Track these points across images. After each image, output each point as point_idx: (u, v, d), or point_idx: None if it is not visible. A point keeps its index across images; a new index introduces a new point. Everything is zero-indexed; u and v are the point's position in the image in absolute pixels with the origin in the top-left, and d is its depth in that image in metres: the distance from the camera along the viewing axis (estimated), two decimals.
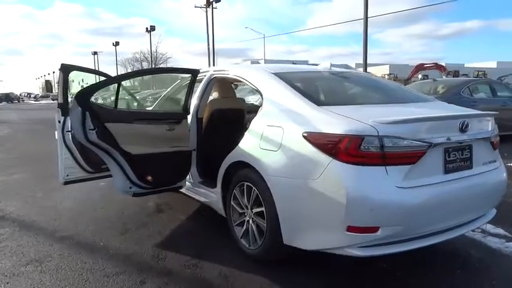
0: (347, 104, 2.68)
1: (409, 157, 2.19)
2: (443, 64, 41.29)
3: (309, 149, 2.32)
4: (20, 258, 2.98)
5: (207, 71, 3.77)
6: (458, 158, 2.41)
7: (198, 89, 3.71)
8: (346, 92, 3.15)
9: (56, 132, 3.82)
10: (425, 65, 39.11)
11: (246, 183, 2.84)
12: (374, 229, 2.16)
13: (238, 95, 4.62)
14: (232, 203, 3.02)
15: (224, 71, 3.55)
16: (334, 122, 2.29)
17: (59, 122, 3.72)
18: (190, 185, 3.74)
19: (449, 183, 2.34)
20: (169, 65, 49.83)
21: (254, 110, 3.27)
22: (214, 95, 3.90)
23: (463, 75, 33.55)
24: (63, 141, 3.74)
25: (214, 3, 27.24)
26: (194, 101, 3.69)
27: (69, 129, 3.71)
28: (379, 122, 2.19)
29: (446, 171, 2.36)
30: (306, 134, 2.34)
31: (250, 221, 2.85)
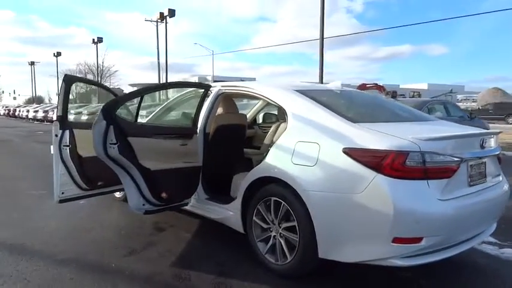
0: (375, 121, 2.83)
1: (446, 171, 2.35)
2: (382, 84, 44.10)
3: (351, 164, 2.40)
4: (26, 285, 2.73)
5: (213, 87, 3.76)
6: (477, 172, 2.63)
7: (206, 104, 3.68)
8: (369, 109, 3.30)
9: (51, 146, 3.59)
10: (367, 85, 41.39)
11: (273, 199, 2.86)
12: (418, 240, 2.28)
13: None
14: (254, 218, 3.01)
15: (238, 87, 3.56)
16: (377, 138, 2.40)
17: (56, 135, 3.51)
18: (195, 202, 3.66)
19: (473, 196, 2.54)
20: (114, 79, 48.09)
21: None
22: (219, 110, 3.89)
23: (401, 95, 35.99)
24: (60, 157, 3.52)
25: (168, 18, 27.00)
26: (202, 116, 3.66)
27: (67, 143, 3.51)
28: (419, 138, 2.34)
29: (470, 184, 2.56)
30: (347, 150, 2.43)
31: (278, 236, 2.86)
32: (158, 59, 34.22)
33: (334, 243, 2.50)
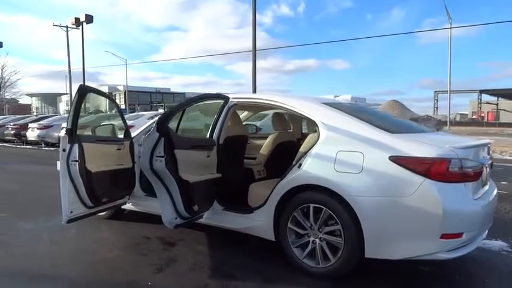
0: (406, 132, 3.17)
1: (476, 175, 2.76)
2: None
3: (398, 171, 2.69)
4: None
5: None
6: (485, 175, 3.11)
7: (220, 115, 3.71)
8: (389, 121, 3.62)
9: (58, 162, 3.32)
10: None
11: (312, 205, 3.02)
12: (460, 235, 2.64)
13: None
14: (289, 225, 3.14)
15: (254, 99, 3.67)
16: (422, 147, 2.73)
17: (64, 150, 3.27)
18: (210, 214, 3.66)
19: (485, 196, 3.00)
20: (15, 89, 43.48)
21: None
22: (228, 122, 3.95)
23: None
24: (68, 173, 3.28)
25: (85, 23, 25.21)
26: (216, 127, 3.69)
27: (76, 158, 3.29)
28: (454, 147, 2.72)
29: (483, 186, 3.03)
30: (394, 158, 2.72)
31: (318, 241, 3.02)
32: (69, 67, 31.94)
33: (382, 243, 2.76)
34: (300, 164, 3.15)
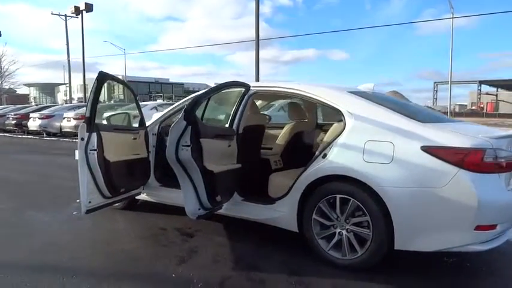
0: (436, 121, 3.10)
1: (508, 166, 2.69)
2: None
3: (431, 161, 2.63)
4: None
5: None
6: None
7: (240, 104, 3.63)
8: (416, 110, 3.53)
9: (76, 151, 3.25)
10: None
11: (338, 196, 2.96)
12: (494, 226, 2.59)
13: None
14: (314, 216, 3.08)
15: (275, 87, 3.58)
16: (456, 137, 2.67)
17: (82, 139, 3.18)
18: (229, 204, 3.59)
19: None
20: (13, 79, 43.02)
21: None
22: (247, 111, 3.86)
23: None
24: (86, 162, 3.20)
25: (84, 12, 24.83)
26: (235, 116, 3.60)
27: (94, 147, 3.21)
28: (489, 137, 2.65)
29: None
30: (427, 148, 2.64)
31: (344, 232, 2.96)
32: (68, 56, 31.59)
33: (413, 235, 2.70)
34: (325, 154, 3.07)
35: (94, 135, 3.20)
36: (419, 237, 2.69)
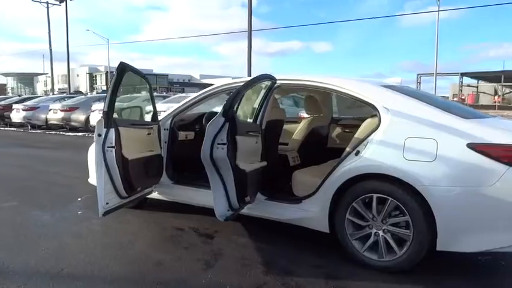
0: (477, 117, 2.98)
1: None
2: None
3: (478, 159, 2.51)
4: None
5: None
6: None
7: (265, 99, 3.44)
8: (451, 105, 3.43)
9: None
10: None
11: (375, 195, 2.83)
12: None
13: None
14: (348, 216, 2.94)
15: (302, 80, 3.41)
16: (503, 134, 2.55)
17: (99, 135, 2.96)
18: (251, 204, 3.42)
19: None
20: None
21: None
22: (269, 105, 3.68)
23: None
24: (104, 160, 2.98)
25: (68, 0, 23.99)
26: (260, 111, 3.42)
27: (112, 144, 2.99)
28: None
29: None
30: (474, 146, 2.52)
31: (381, 233, 2.84)
32: (50, 45, 30.62)
33: (457, 236, 2.59)
34: (358, 151, 2.93)
35: (112, 131, 2.98)
36: (464, 238, 2.59)
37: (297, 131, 4.28)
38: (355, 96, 3.12)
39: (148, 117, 3.84)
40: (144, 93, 3.79)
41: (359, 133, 3.13)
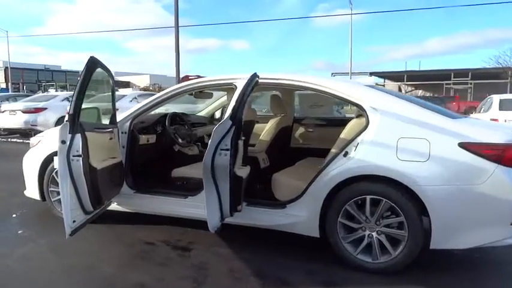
0: (463, 117, 3.07)
1: None
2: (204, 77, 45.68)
3: (470, 158, 2.59)
4: None
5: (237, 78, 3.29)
6: None
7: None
8: (434, 106, 3.45)
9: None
10: (190, 77, 42.27)
11: (368, 197, 2.79)
12: None
13: None
14: (340, 219, 2.87)
15: (283, 79, 3.25)
16: (490, 133, 2.66)
17: (63, 142, 2.52)
18: None
19: None
20: None
21: None
22: None
23: None
24: (69, 172, 2.55)
25: None
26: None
27: (79, 152, 2.58)
28: None
29: None
30: (465, 145, 2.60)
31: (375, 234, 2.82)
32: None
33: (450, 233, 2.66)
34: (347, 153, 2.87)
35: (78, 137, 2.54)
36: (457, 235, 2.66)
37: (265, 131, 4.13)
38: (341, 96, 3.06)
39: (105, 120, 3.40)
40: (103, 92, 3.33)
41: (345, 134, 3.08)
